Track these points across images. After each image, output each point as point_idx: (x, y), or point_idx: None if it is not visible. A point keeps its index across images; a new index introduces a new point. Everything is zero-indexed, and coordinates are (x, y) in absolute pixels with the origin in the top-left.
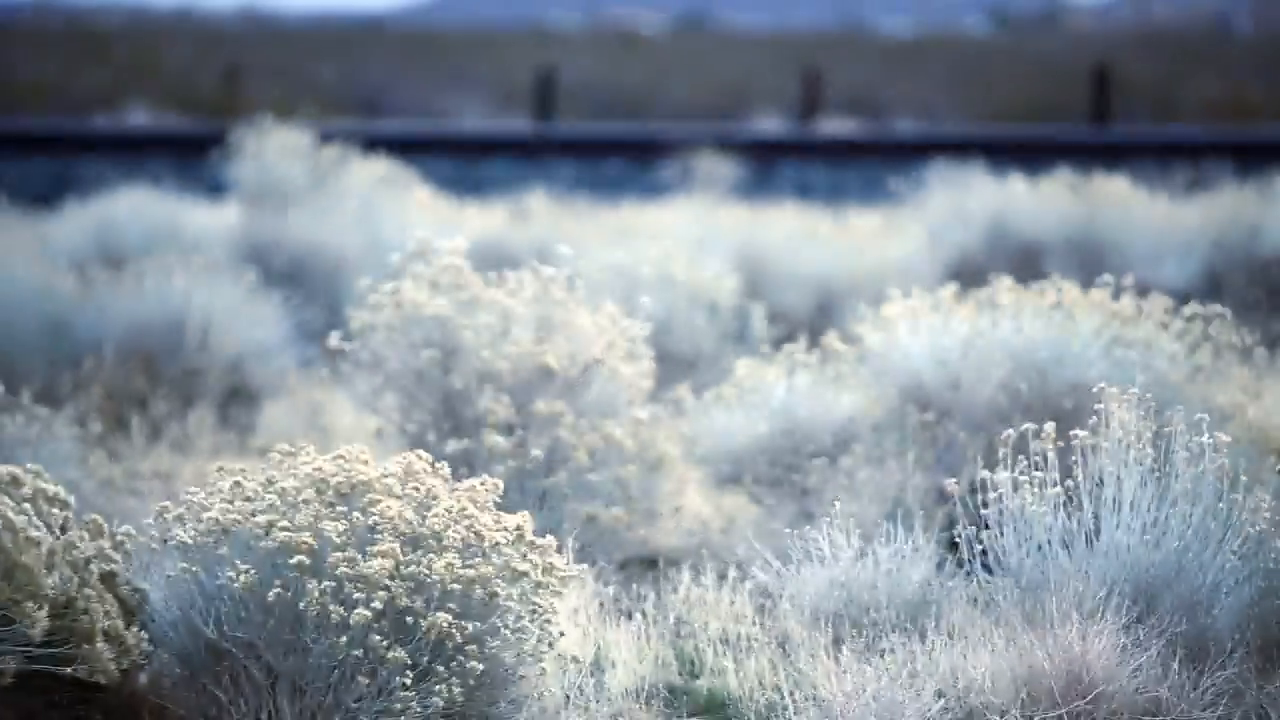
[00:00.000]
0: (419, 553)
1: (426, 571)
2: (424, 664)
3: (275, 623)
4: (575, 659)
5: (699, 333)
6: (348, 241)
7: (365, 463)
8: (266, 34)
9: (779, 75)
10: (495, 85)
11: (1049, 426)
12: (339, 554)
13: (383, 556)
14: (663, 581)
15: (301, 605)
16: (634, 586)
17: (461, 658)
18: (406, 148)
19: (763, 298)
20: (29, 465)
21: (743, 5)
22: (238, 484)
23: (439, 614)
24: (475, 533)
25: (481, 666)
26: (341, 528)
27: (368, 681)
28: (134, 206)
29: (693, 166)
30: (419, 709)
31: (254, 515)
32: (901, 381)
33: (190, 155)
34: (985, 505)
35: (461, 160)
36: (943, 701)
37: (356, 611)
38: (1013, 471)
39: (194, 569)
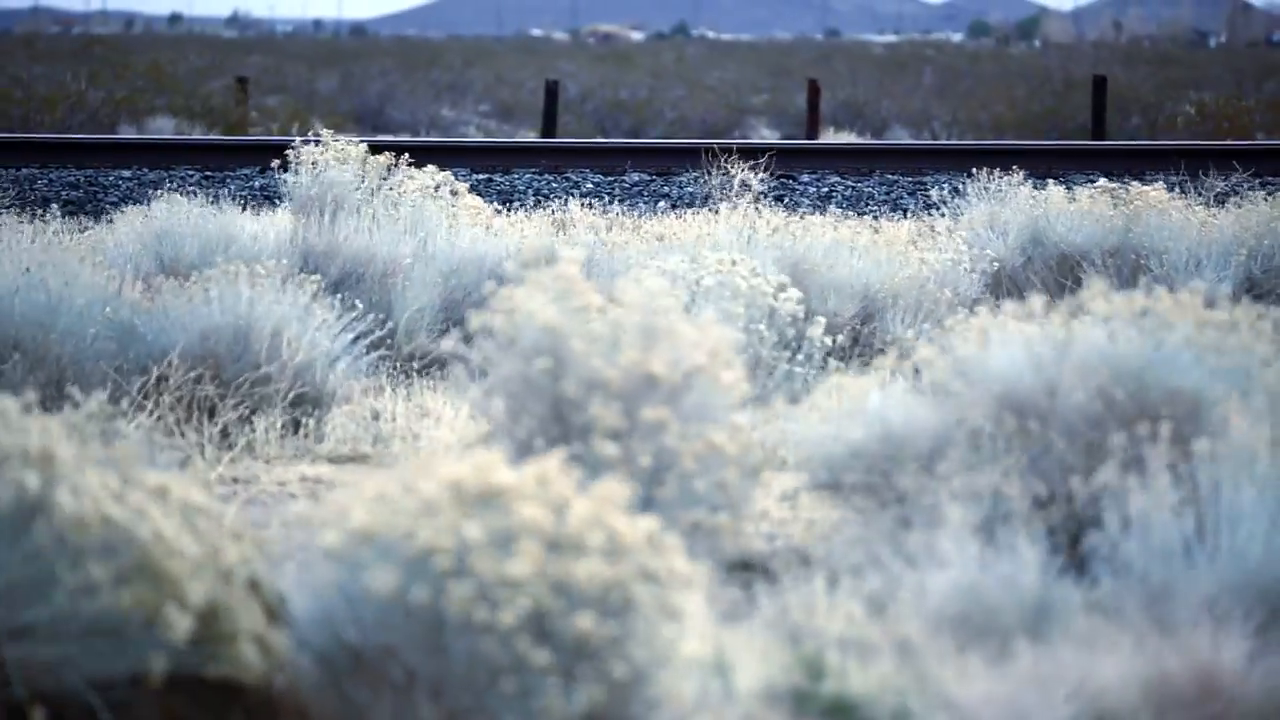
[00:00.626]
0: (559, 555)
1: (568, 574)
2: (566, 666)
3: (417, 626)
4: (697, 662)
5: (759, 341)
6: (400, 250)
7: (500, 469)
8: (255, 41)
9: (771, 87)
10: (490, 96)
11: (1164, 430)
12: (481, 557)
13: (525, 559)
14: (770, 585)
15: (444, 607)
16: (740, 590)
17: (603, 659)
18: (431, 154)
19: (806, 305)
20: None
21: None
22: (379, 490)
23: (582, 615)
24: (613, 536)
25: (624, 668)
26: (482, 531)
27: (512, 684)
28: (189, 215)
29: (723, 176)
30: (561, 712)
31: (395, 520)
32: (995, 388)
33: (218, 164)
34: (1094, 511)
35: (484, 169)
36: (1074, 706)
37: (501, 613)
38: (1130, 477)
39: (337, 574)
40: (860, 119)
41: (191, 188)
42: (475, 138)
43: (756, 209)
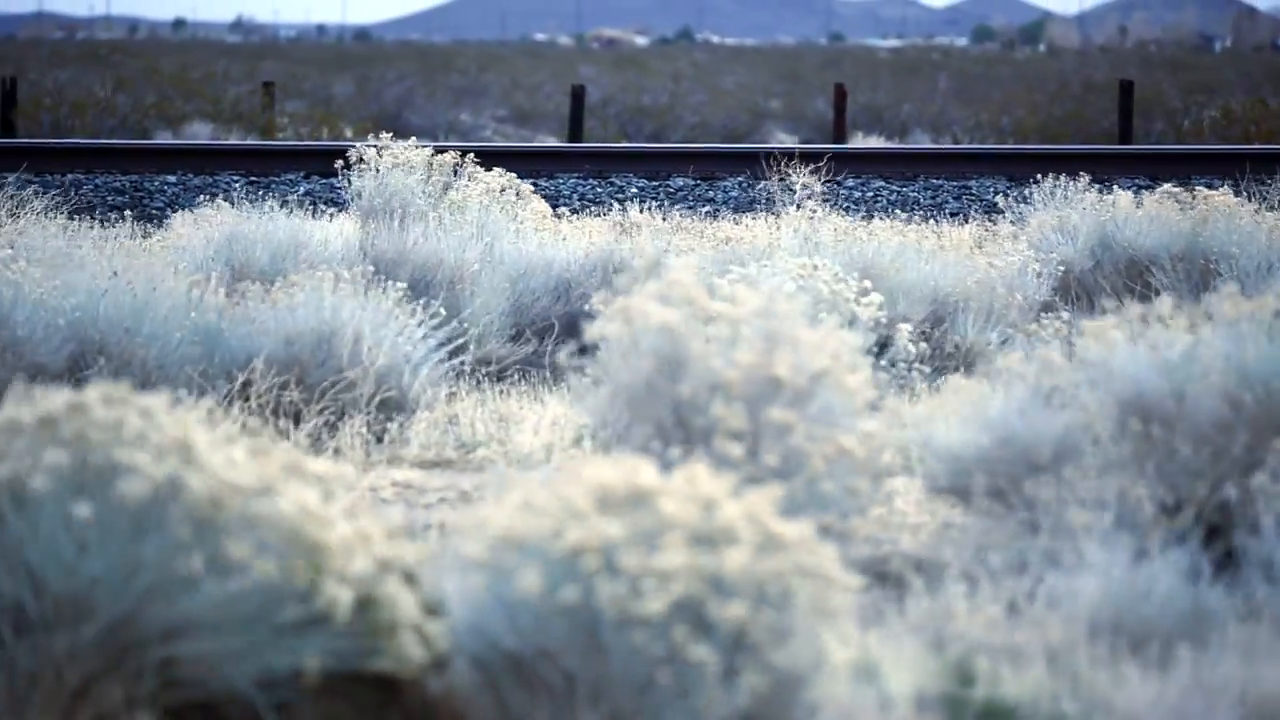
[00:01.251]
0: (708, 548)
1: (719, 565)
2: (726, 659)
3: (573, 627)
4: (850, 666)
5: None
6: (467, 255)
7: (647, 471)
8: (262, 47)
9: (784, 92)
10: (507, 101)
11: None
12: (629, 553)
13: (673, 552)
14: (900, 590)
15: (597, 606)
16: (875, 594)
17: (762, 651)
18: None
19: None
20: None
21: (726, 24)
22: (524, 494)
23: (736, 604)
24: (766, 530)
25: (783, 659)
26: (629, 529)
27: (669, 677)
28: (259, 220)
29: (772, 180)
30: (723, 708)
31: (542, 522)
32: (1120, 394)
33: (261, 169)
34: (1222, 518)
35: (527, 174)
36: (1239, 714)
37: (653, 603)
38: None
39: (489, 577)
40: (880, 123)
41: (236, 193)
42: (496, 142)
43: (814, 214)
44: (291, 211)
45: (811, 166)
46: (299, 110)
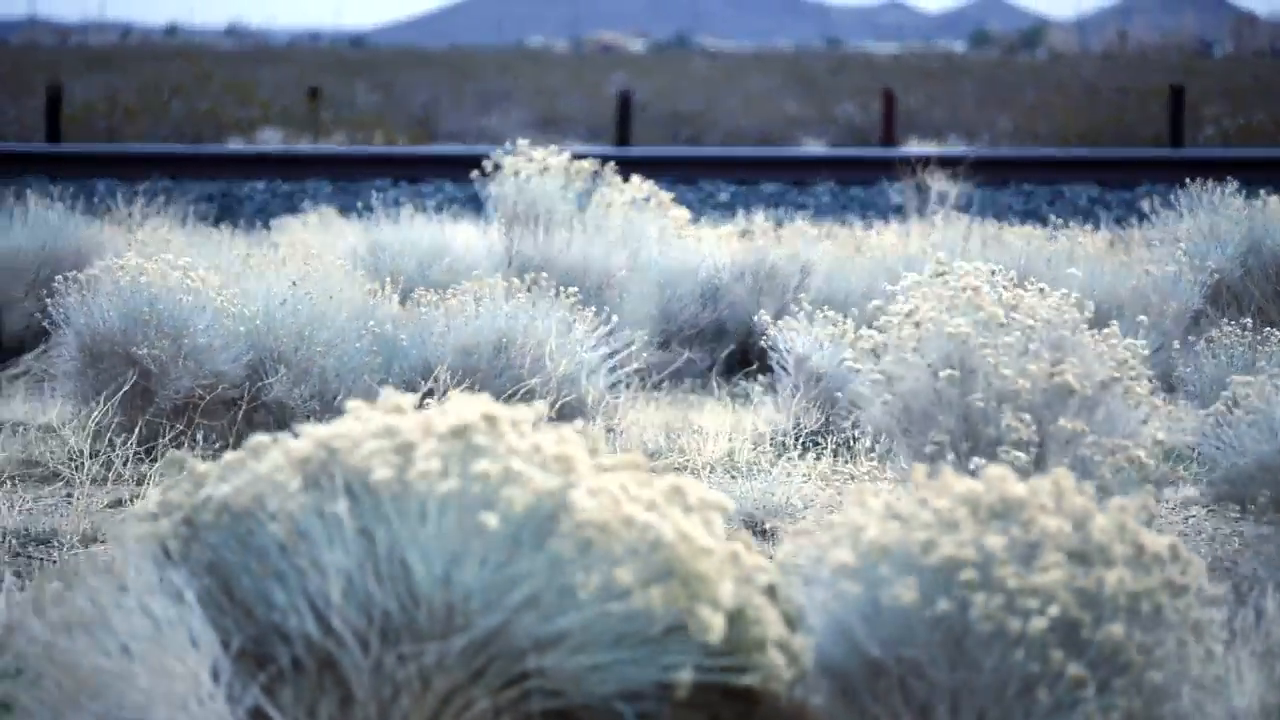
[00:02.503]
0: (1084, 567)
1: (1096, 585)
2: (1101, 678)
3: (941, 638)
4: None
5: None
6: (613, 262)
7: (1012, 482)
8: (261, 52)
9: (802, 96)
10: (530, 106)
11: None
12: (1006, 568)
13: (1052, 569)
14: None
15: (971, 619)
16: None
17: (1136, 671)
18: None
19: None
20: None
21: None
22: (888, 505)
23: (1112, 625)
24: (1138, 546)
25: (1159, 678)
26: (1004, 543)
27: (1046, 696)
28: (405, 227)
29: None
30: None
31: (912, 534)
32: None
33: (349, 176)
34: None
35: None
36: None
37: (1033, 623)
38: None
39: (849, 587)
40: (914, 127)
41: (325, 200)
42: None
43: (938, 220)
44: (431, 218)
45: (949, 171)
46: (338, 116)
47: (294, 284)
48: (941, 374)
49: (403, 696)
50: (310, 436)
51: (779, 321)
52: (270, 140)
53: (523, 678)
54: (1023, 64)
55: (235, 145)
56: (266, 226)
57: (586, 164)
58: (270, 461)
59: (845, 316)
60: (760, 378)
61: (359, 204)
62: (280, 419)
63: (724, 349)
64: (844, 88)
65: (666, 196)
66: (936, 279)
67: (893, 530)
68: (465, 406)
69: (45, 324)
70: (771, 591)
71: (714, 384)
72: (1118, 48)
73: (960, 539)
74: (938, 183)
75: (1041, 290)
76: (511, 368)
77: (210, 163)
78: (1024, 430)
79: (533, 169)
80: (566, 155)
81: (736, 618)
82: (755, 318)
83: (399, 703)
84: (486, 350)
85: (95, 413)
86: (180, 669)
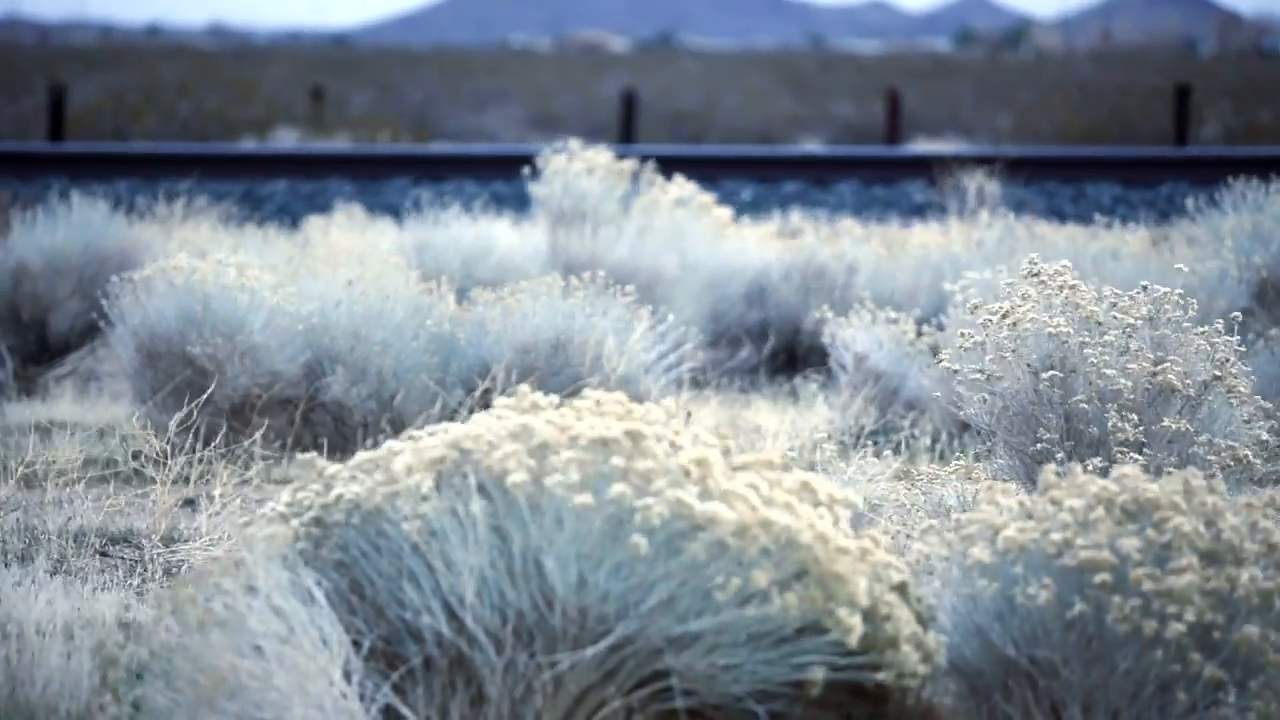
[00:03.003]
0: (1216, 566)
1: (1228, 584)
2: (1239, 679)
3: (1076, 639)
4: None
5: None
6: (662, 261)
7: (1145, 482)
8: (247, 51)
9: (794, 94)
10: (526, 105)
11: None
12: (1141, 571)
13: (1187, 573)
14: None
15: (1108, 621)
16: None
17: (1272, 671)
18: None
19: None
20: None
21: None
22: (1021, 504)
23: (1248, 627)
24: (1270, 544)
25: None
26: (1139, 545)
27: (1184, 697)
28: (449, 226)
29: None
30: None
31: (1047, 534)
32: None
33: (370, 175)
34: None
35: None
36: None
37: (1172, 625)
38: None
39: (993, 586)
40: (914, 127)
41: (349, 199)
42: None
43: (982, 218)
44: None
45: (984, 169)
46: (342, 115)
47: (350, 283)
48: (1044, 375)
49: (535, 696)
50: (442, 437)
51: (837, 319)
52: (285, 139)
53: (654, 677)
54: (1014, 63)
55: (249, 145)
56: (293, 225)
57: (628, 164)
58: (403, 462)
59: (898, 316)
60: (811, 376)
61: (386, 203)
62: (337, 419)
63: (770, 348)
64: (836, 87)
65: (709, 197)
66: (1030, 278)
67: (1029, 530)
68: (603, 408)
69: (100, 323)
70: (902, 589)
71: (762, 383)
72: (1102, 46)
73: (1096, 540)
74: (972, 181)
75: (1145, 289)
76: (569, 366)
77: (233, 162)
78: (1130, 430)
79: (579, 168)
80: (610, 155)
81: (869, 615)
82: (807, 316)
83: (531, 702)
84: (544, 349)
85: (174, 413)
86: (314, 668)
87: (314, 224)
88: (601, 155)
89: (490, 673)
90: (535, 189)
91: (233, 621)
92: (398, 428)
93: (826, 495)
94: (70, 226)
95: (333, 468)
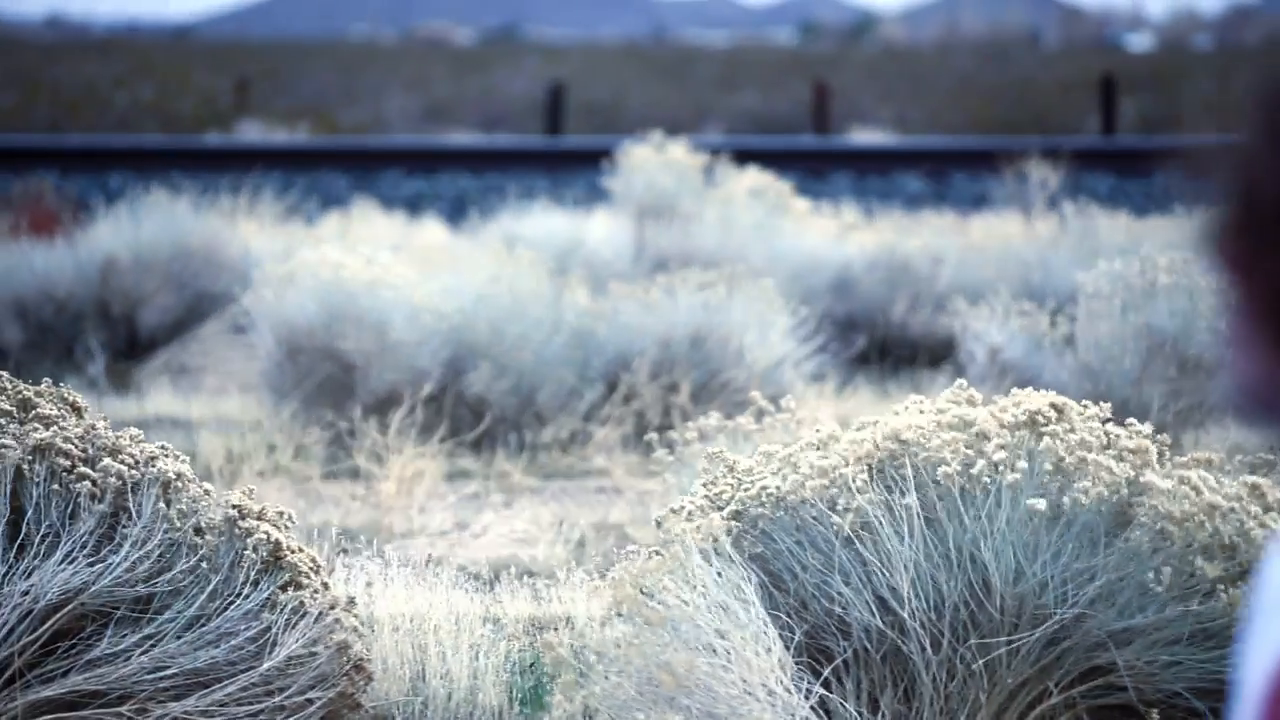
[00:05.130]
0: None
1: None
2: None
3: None
4: None
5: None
6: (749, 252)
7: None
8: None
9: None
10: (411, 97)
11: None
12: None
13: None
14: None
15: None
16: None
17: None
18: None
19: None
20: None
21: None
22: None
23: None
24: None
25: None
26: None
27: None
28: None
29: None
30: None
31: None
32: None
33: (361, 167)
34: None
35: None
36: None
37: None
38: None
39: None
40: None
41: (344, 193)
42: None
43: (1028, 210)
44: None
45: (1049, 163)
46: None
47: (495, 279)
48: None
49: (970, 689)
50: (876, 429)
51: (973, 310)
52: (248, 133)
53: (1092, 673)
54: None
55: (214, 139)
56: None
57: (699, 159)
58: (836, 454)
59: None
60: (937, 370)
61: (382, 195)
62: (477, 413)
63: (857, 340)
64: (704, 78)
65: (786, 187)
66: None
67: None
68: (1031, 397)
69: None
70: None
71: (864, 376)
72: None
73: None
74: (1037, 173)
75: None
76: (709, 360)
77: (290, 154)
78: None
79: (660, 162)
80: (685, 148)
81: None
82: (893, 308)
83: (965, 695)
84: (684, 342)
85: (312, 409)
86: (762, 664)
87: (353, 215)
88: (678, 149)
89: (925, 665)
90: (613, 182)
91: (682, 618)
92: (541, 422)
93: (1275, 499)
94: (155, 221)
95: (744, 461)
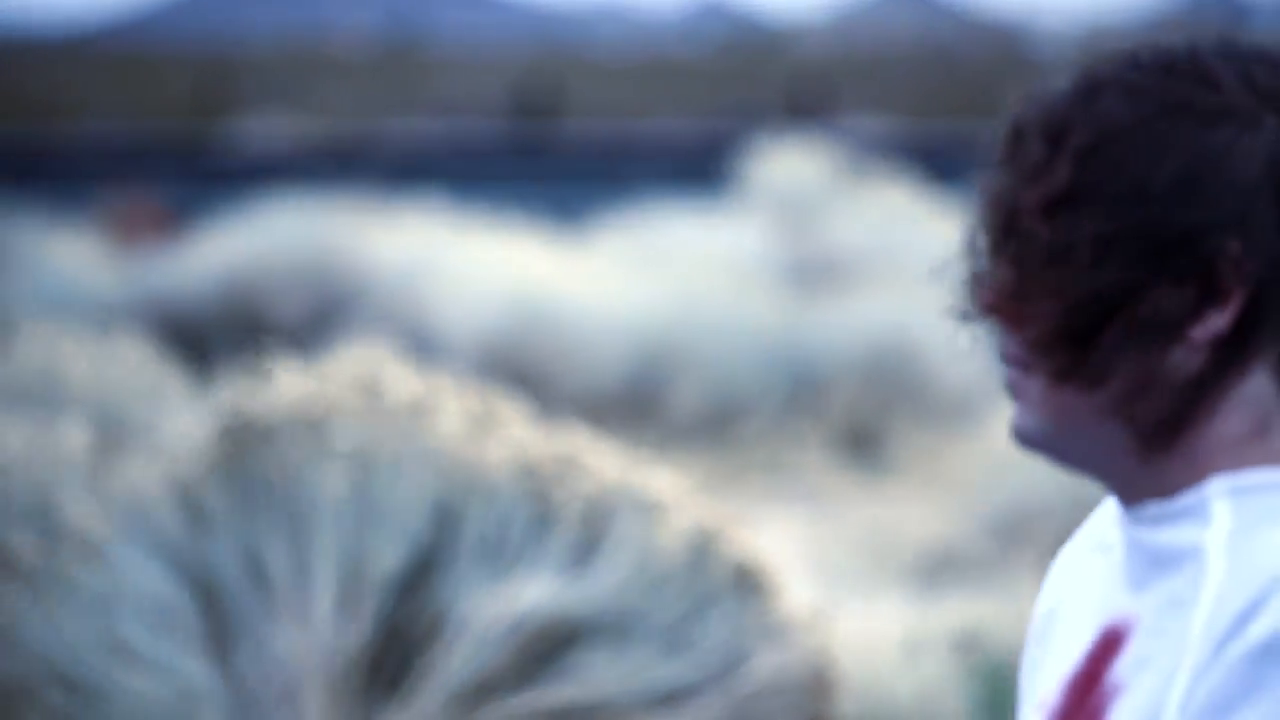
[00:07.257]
0: None
1: None
2: None
3: None
4: None
5: None
6: (898, 258)
7: None
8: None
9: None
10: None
11: None
12: None
13: None
14: None
15: None
16: None
17: None
18: None
19: None
20: None
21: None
22: None
23: None
24: None
25: None
26: None
27: None
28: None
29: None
30: None
31: None
32: None
33: None
34: None
35: None
36: None
37: None
38: None
39: None
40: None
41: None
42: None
43: None
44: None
45: None
46: None
47: (687, 290)
48: None
49: None
50: None
51: None
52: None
53: None
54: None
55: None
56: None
57: (825, 164)
58: None
59: None
60: None
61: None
62: (667, 422)
63: None
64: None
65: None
66: None
67: None
68: None
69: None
70: None
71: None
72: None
73: None
74: None
75: None
76: (909, 368)
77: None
78: None
79: (794, 167)
80: (816, 150)
81: None
82: None
83: None
84: (886, 353)
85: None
86: None
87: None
88: (810, 150)
89: None
90: (746, 184)
91: None
92: (734, 430)
93: None
94: (291, 227)
95: None
